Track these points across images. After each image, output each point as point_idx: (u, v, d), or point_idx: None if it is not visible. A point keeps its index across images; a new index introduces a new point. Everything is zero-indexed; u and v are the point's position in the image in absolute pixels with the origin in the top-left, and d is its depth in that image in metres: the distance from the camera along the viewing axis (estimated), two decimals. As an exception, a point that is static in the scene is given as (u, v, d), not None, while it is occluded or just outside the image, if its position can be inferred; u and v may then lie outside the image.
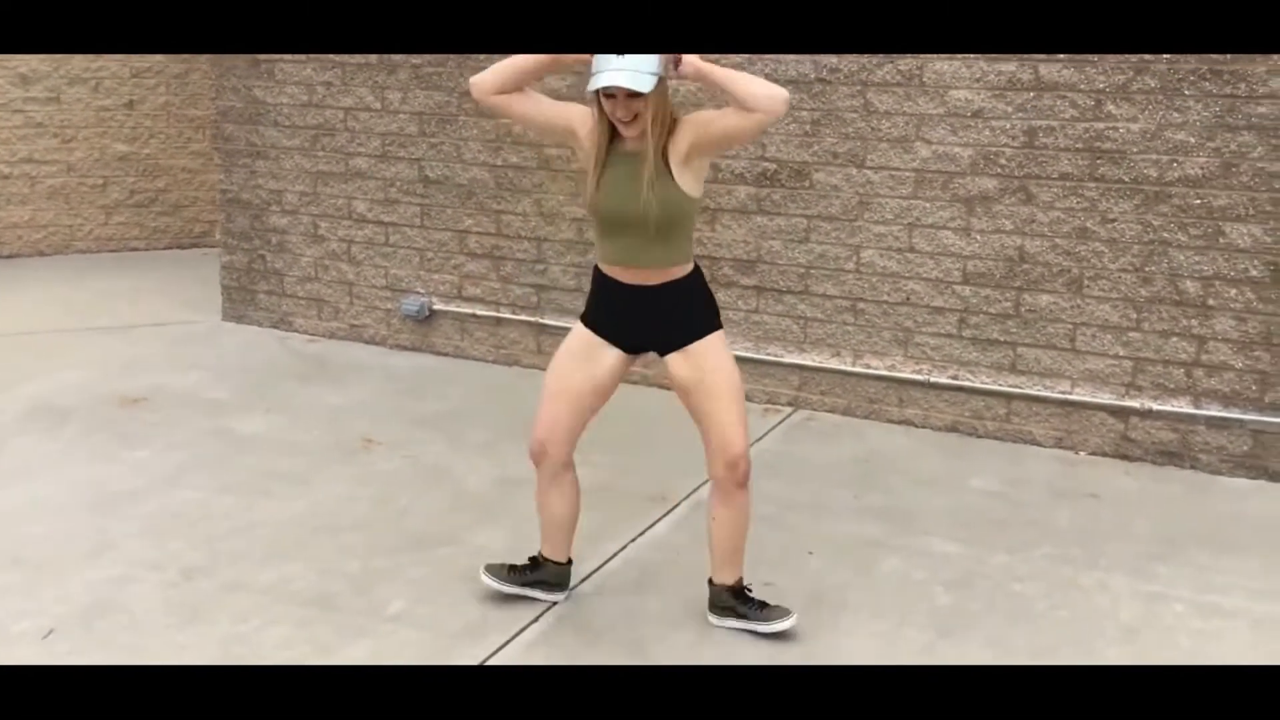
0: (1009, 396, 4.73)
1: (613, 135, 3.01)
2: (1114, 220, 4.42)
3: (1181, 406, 4.45)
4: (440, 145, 5.68)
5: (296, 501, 4.09)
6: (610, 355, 3.21)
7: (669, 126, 2.96)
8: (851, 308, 4.95)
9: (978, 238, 4.66)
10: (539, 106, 3.10)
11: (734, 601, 3.28)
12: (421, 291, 5.91)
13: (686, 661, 3.15)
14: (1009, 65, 4.46)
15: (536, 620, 3.34)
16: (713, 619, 3.31)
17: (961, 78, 4.56)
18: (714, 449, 3.18)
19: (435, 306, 5.88)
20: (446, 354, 5.88)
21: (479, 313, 5.77)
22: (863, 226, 4.86)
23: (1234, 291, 4.29)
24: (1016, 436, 4.74)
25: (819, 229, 4.94)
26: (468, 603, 3.42)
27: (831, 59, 4.77)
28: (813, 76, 4.83)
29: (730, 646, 3.22)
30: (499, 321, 5.73)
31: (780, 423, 4.99)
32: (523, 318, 5.67)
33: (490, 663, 3.12)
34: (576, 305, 5.52)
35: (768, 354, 5.15)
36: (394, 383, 5.48)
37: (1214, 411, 4.39)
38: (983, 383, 4.76)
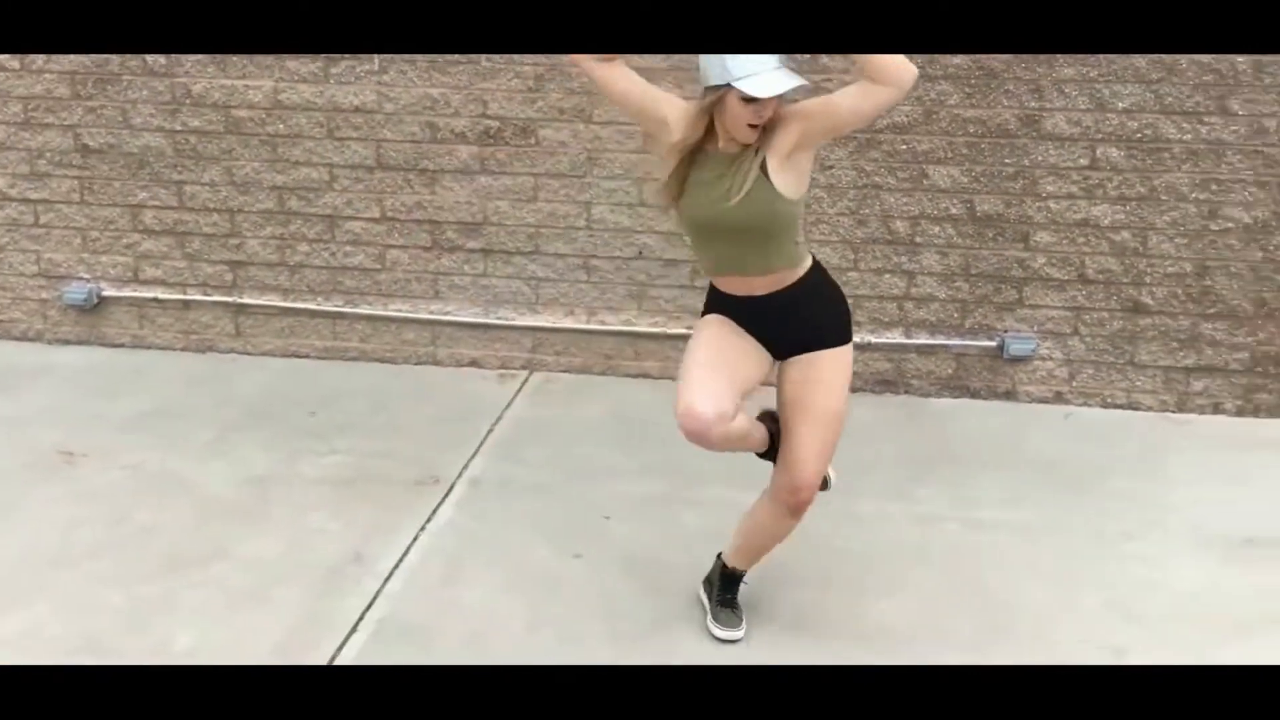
0: (742, 342, 4.89)
1: (705, 136, 2.73)
2: (832, 167, 4.66)
3: (895, 338, 4.81)
4: (101, 110, 4.96)
5: (5, 537, 3.46)
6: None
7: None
8: (584, 265, 4.90)
9: (706, 189, 4.76)
10: (638, 87, 2.81)
11: (720, 582, 3.17)
12: (86, 276, 5.17)
13: (527, 650, 3.00)
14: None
15: (354, 631, 3.05)
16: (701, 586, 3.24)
17: (685, 31, 4.61)
18: (784, 466, 2.94)
19: (105, 293, 5.16)
20: (122, 345, 5.20)
21: (161, 296, 5.14)
22: (592, 183, 4.81)
23: (937, 229, 4.68)
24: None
25: (547, 187, 4.84)
26: (266, 622, 3.06)
27: (554, 12, 4.64)
28: (534, 30, 4.68)
29: (566, 626, 3.12)
30: (187, 304, 5.14)
31: (521, 387, 4.87)
32: (216, 298, 5.12)
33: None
34: (280, 281, 5.08)
35: (499, 318, 5.00)
36: (72, 383, 4.77)
37: (922, 340, 4.79)
38: (716, 330, 4.89)
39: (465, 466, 4.07)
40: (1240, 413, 4.67)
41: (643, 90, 2.82)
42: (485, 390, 4.84)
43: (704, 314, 2.99)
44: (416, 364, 5.08)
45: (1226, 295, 4.58)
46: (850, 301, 4.64)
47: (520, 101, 4.75)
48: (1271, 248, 4.50)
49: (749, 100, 2.59)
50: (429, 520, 3.68)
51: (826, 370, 2.85)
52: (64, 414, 4.42)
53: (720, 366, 2.81)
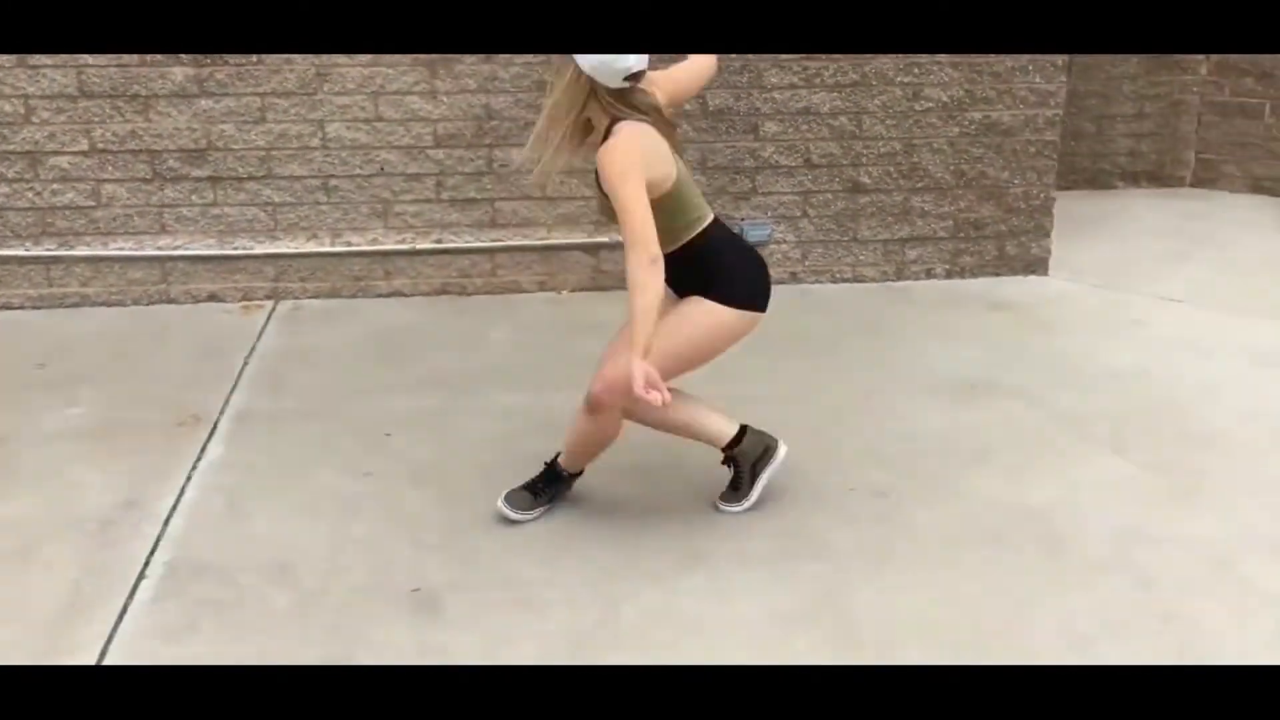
0: (492, 251, 4.91)
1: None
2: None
3: (642, 235, 4.96)
4: None
5: None
6: None
7: None
8: (323, 186, 4.74)
9: (445, 100, 4.69)
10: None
11: (541, 471, 3.23)
12: None
13: (338, 575, 2.96)
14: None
15: (143, 577, 2.91)
16: None
17: (407, -64, 4.48)
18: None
19: None
20: None
21: None
22: (324, 100, 4.63)
23: (672, 126, 4.83)
24: (504, 288, 4.96)
25: (275, 107, 4.62)
26: (43, 580, 2.86)
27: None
28: (244, -62, 4.41)
29: (370, 544, 3.09)
30: None
31: (269, 318, 4.69)
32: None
33: (111, 660, 2.64)
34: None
35: (236, 248, 4.77)
36: None
37: (668, 235, 4.97)
38: (466, 242, 4.88)
39: (226, 402, 3.90)
40: (949, 275, 5.15)
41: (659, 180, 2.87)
42: (230, 324, 4.63)
43: (738, 296, 3.01)
44: (149, 304, 4.78)
45: (931, 170, 5.00)
46: (595, 203, 4.76)
47: (236, 16, 4.49)
48: (966, 123, 4.95)
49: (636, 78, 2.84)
50: (199, 459, 3.52)
51: (693, 308, 2.98)
52: None
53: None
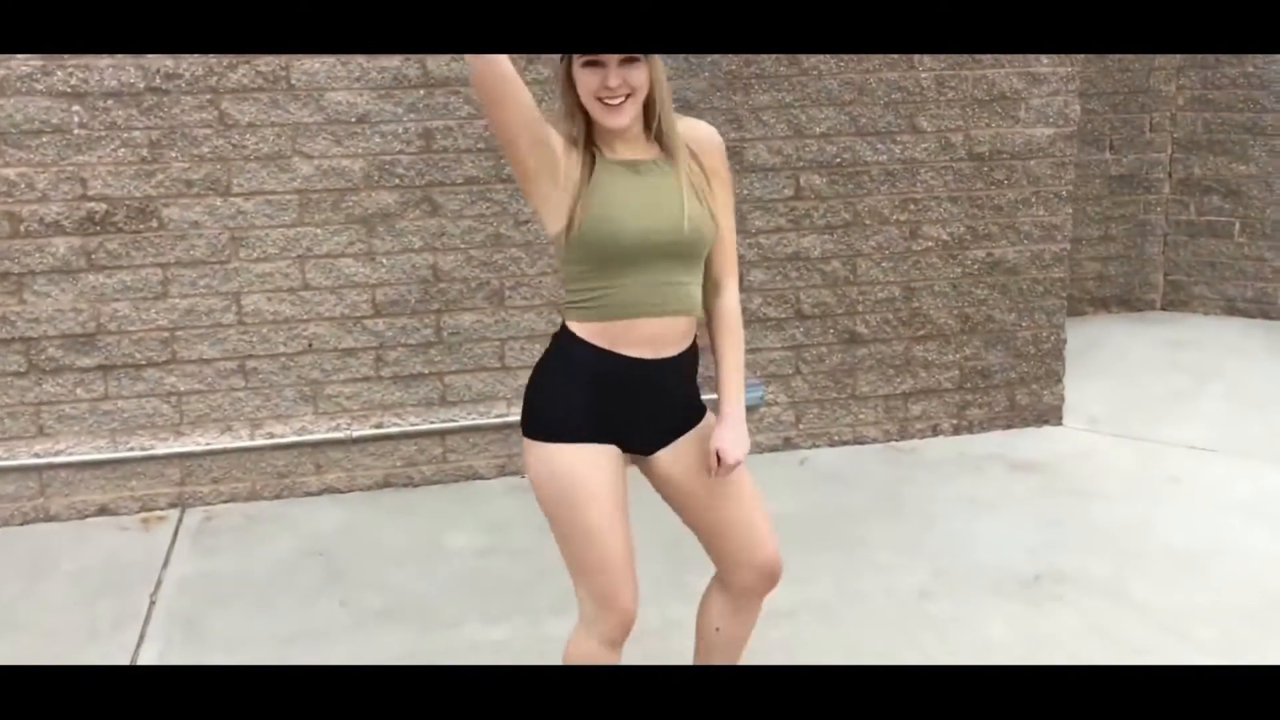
0: (444, 433, 4.19)
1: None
2: (526, 222, 4.08)
3: (616, 404, 4.31)
4: None
5: None
6: (612, 455, 2.23)
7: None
8: (240, 369, 3.97)
9: (384, 261, 4.00)
10: (528, 97, 2.04)
11: None
12: None
13: None
14: (392, 61, 3.85)
15: None
16: None
17: (338, 77, 3.83)
18: (743, 560, 2.35)
19: None
20: None
21: None
22: (241, 268, 3.89)
23: (647, 280, 4.23)
24: (459, 475, 4.23)
25: (181, 279, 3.86)
26: None
27: (166, 61, 3.69)
28: (142, 86, 3.70)
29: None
30: None
31: (176, 533, 3.86)
32: None
33: None
34: None
35: (133, 448, 3.94)
36: None
37: (645, 402, 4.33)
38: (412, 424, 4.15)
39: (133, 659, 3.07)
40: (956, 430, 4.61)
41: (530, 102, 2.07)
42: (128, 544, 3.79)
43: (546, 427, 2.22)
44: (22, 524, 3.90)
45: (933, 315, 4.49)
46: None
47: (132, 175, 3.75)
48: (968, 262, 4.47)
49: (590, 64, 2.06)
50: None
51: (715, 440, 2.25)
52: None
53: (622, 523, 2.25)
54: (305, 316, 3.98)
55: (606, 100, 2.08)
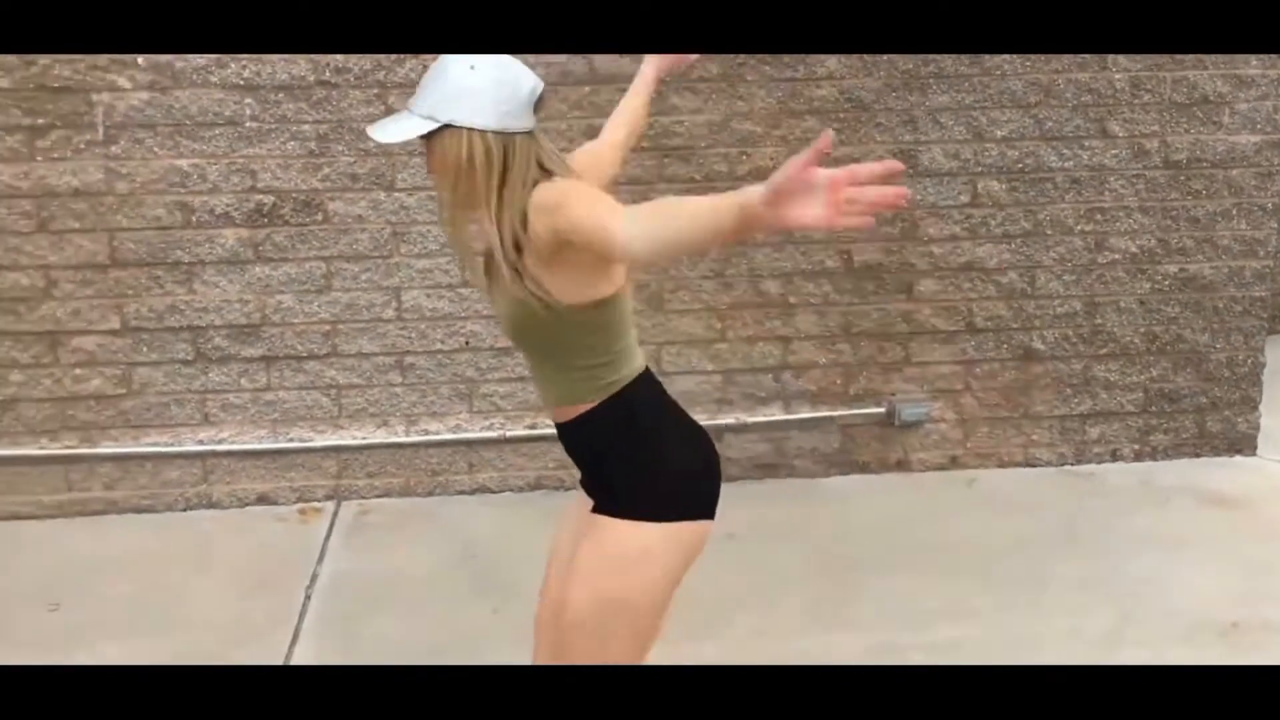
0: (597, 437, 4.10)
1: None
2: (687, 225, 3.96)
3: (773, 414, 4.15)
4: None
5: None
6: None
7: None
8: (398, 364, 3.96)
9: (542, 261, 3.94)
10: None
11: None
12: None
13: None
14: (558, 58, 3.77)
15: None
16: None
17: (505, 72, 3.78)
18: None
19: None
20: None
21: None
22: (402, 263, 3.88)
23: (812, 285, 4.06)
24: (611, 480, 4.13)
25: (343, 272, 3.86)
26: None
27: (336, 56, 3.69)
28: (312, 80, 3.71)
29: None
30: None
31: (330, 528, 3.86)
32: None
33: None
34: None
35: (292, 440, 3.97)
36: None
37: (804, 414, 4.15)
38: (566, 427, 4.07)
39: (287, 658, 3.06)
40: (1138, 457, 4.31)
41: None
42: (284, 536, 3.81)
43: None
44: (185, 509, 3.97)
45: (1117, 333, 4.20)
46: (720, 378, 3.92)
47: (300, 169, 3.76)
48: (1159, 278, 4.17)
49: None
50: None
51: (588, 545, 1.97)
52: None
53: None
54: (463, 314, 3.94)
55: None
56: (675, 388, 4.04)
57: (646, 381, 2.05)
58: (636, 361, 2.04)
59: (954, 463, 4.24)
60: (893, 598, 3.35)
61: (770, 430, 4.16)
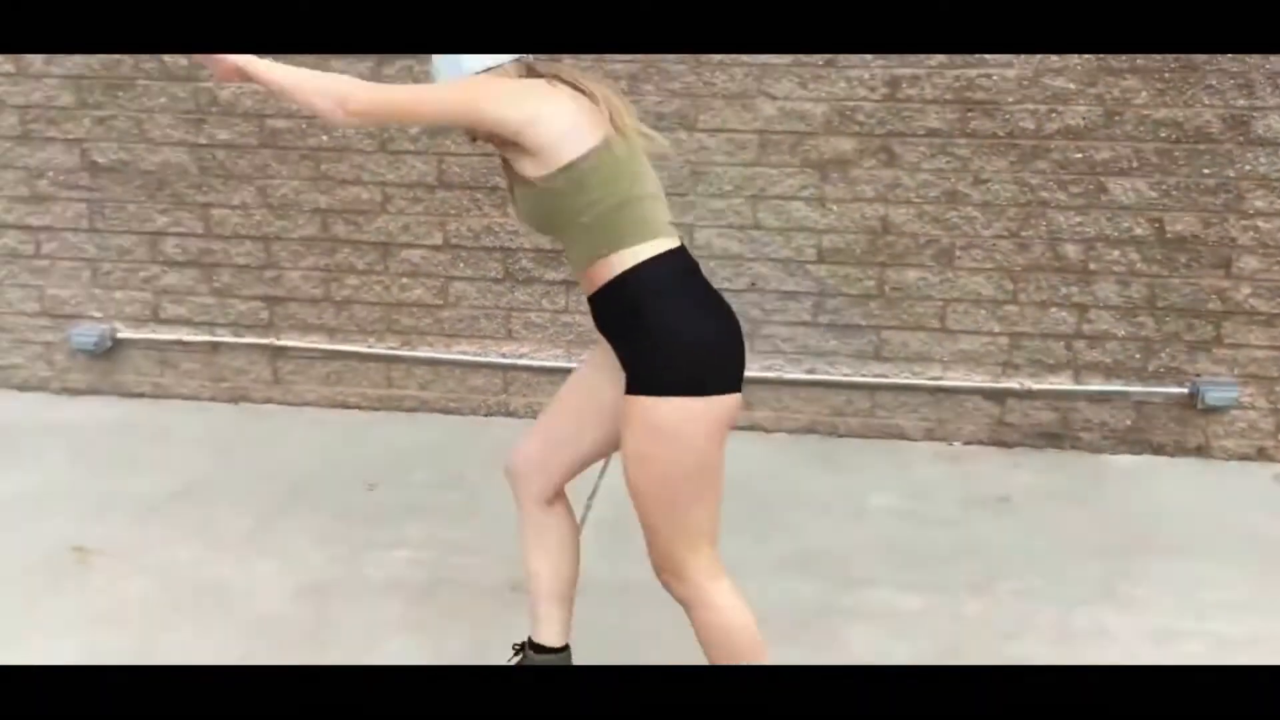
0: (873, 388, 4.12)
1: None
2: (987, 180, 3.88)
3: (1061, 383, 4.02)
4: (112, 121, 4.21)
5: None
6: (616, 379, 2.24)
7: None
8: (686, 299, 4.13)
9: (834, 208, 3.98)
10: None
11: None
12: (98, 315, 4.43)
13: None
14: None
15: None
16: None
17: (814, 19, 3.82)
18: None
19: (120, 334, 4.42)
20: (142, 394, 4.46)
21: (186, 338, 4.39)
22: (697, 201, 4.03)
23: (1116, 253, 3.88)
24: (883, 433, 4.16)
25: (642, 207, 4.06)
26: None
27: (654, -3, 3.85)
28: (630, 20, 3.90)
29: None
30: (215, 347, 4.39)
31: (612, 445, 4.10)
32: (250, 340, 4.36)
33: None
34: (325, 319, 4.32)
35: (582, 362, 4.22)
36: (82, 447, 4.03)
37: (1096, 385, 4.00)
38: (844, 375, 4.12)
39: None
40: None
41: None
42: (570, 449, 4.07)
43: None
44: (486, 415, 4.32)
45: None
46: (1006, 341, 3.85)
47: (612, 106, 3.97)
48: None
49: None
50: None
51: (627, 427, 2.13)
52: (76, 492, 3.68)
53: (553, 412, 2.44)
54: (751, 256, 4.05)
55: None
56: (958, 346, 4.01)
57: (658, 260, 2.14)
58: (644, 232, 2.14)
59: (1261, 454, 3.96)
60: (1176, 583, 3.21)
61: (1056, 399, 4.03)
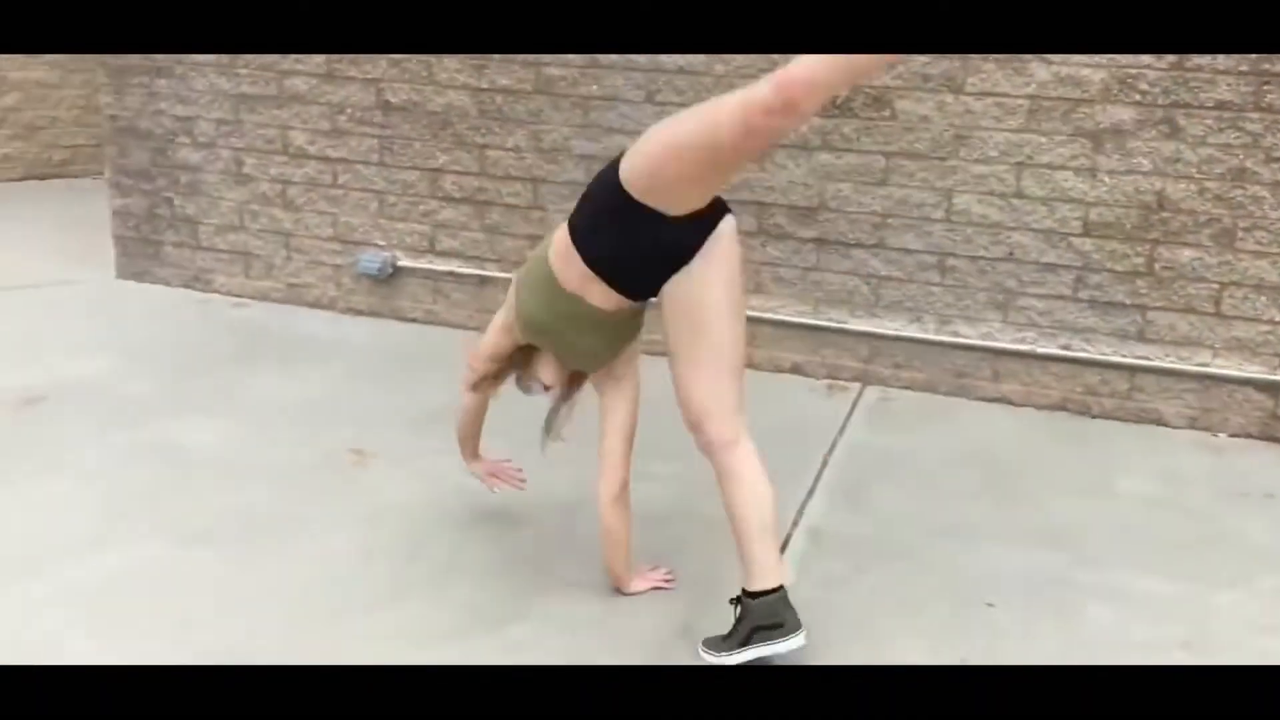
0: (1133, 369, 3.97)
1: None
2: (1279, 159, 3.64)
3: (1345, 380, 3.77)
4: (405, 63, 4.53)
5: (300, 565, 3.02)
6: None
7: None
8: (939, 264, 4.10)
9: (1106, 180, 3.84)
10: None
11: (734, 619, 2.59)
12: (382, 244, 4.80)
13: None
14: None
15: None
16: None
17: (1102, -19, 3.68)
18: None
19: (400, 263, 4.78)
20: (414, 319, 4.82)
21: (458, 270, 4.71)
22: (958, 166, 3.98)
23: None
24: (1140, 417, 4.00)
25: (901, 169, 4.04)
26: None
27: (934, -44, 3.81)
28: (906, -22, 3.87)
29: None
30: (483, 281, 4.69)
31: (854, 405, 4.14)
32: (513, 276, 4.62)
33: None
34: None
35: (830, 319, 4.27)
36: (362, 363, 4.41)
37: (1384, 385, 3.72)
38: (1102, 353, 3.99)
39: (801, 510, 3.39)
40: None
41: None
42: (812, 404, 4.14)
43: None
44: (729, 365, 4.42)
45: None
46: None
47: (880, 65, 3.96)
48: None
49: None
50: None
51: (731, 248, 2.66)
52: (356, 401, 4.04)
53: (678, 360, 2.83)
54: (1012, 224, 3.97)
55: None
56: (1231, 333, 3.81)
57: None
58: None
59: None
60: None
61: (1337, 396, 3.78)
